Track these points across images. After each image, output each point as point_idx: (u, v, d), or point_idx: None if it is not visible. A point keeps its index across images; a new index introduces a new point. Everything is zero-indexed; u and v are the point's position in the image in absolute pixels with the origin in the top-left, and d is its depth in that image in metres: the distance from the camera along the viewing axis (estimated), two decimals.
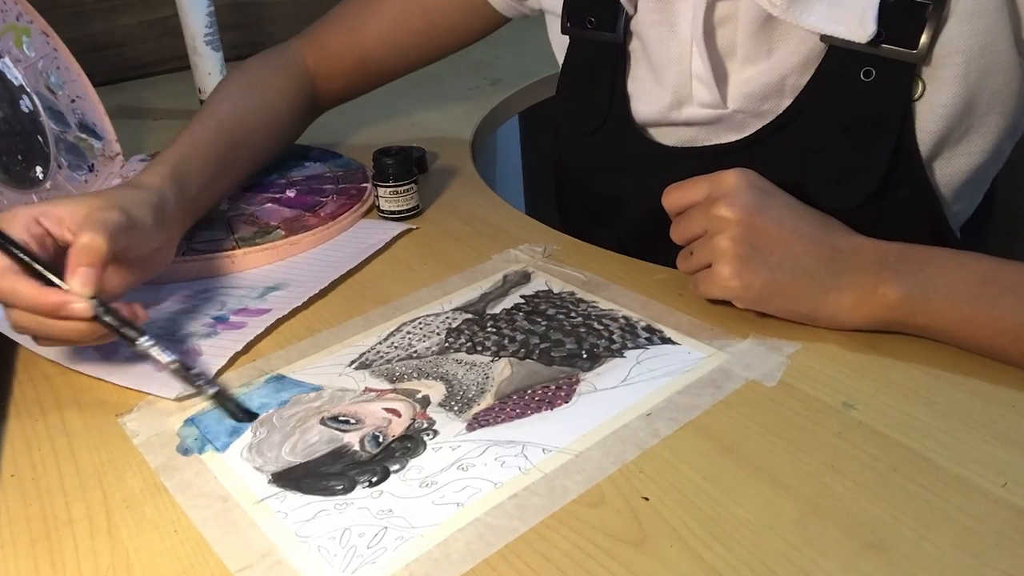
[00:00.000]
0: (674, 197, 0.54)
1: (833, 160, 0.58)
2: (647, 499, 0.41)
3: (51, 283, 0.47)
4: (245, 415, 0.48)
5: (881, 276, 0.49)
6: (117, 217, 0.50)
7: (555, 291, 0.60)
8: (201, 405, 0.50)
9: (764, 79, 0.58)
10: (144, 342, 0.49)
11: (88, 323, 0.47)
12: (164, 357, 0.49)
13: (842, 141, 0.57)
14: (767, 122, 0.60)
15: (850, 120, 0.56)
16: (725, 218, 0.51)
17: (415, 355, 0.53)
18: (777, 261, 0.50)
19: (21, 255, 0.46)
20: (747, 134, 0.61)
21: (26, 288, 0.46)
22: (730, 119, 0.62)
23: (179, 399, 0.50)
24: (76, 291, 0.46)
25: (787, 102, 0.59)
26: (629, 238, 0.69)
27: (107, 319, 0.47)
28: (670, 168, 0.63)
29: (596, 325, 0.55)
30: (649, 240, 0.65)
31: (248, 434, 0.47)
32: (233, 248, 0.66)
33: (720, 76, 0.60)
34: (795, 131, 0.59)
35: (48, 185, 0.70)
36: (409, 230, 0.71)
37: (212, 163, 0.64)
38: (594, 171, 0.71)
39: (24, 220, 0.48)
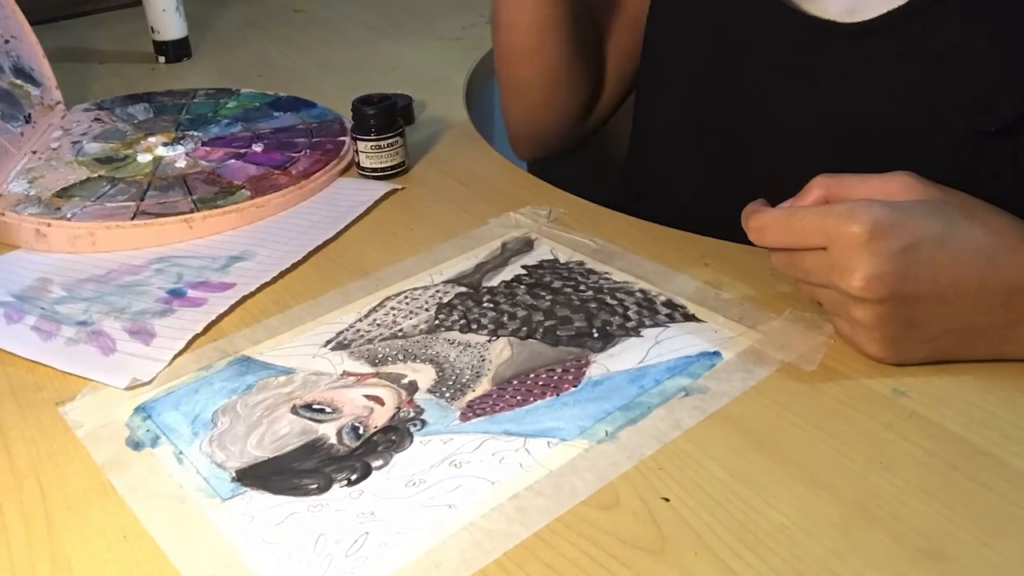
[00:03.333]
0: (775, 238, 0.48)
1: (975, 64, 0.52)
2: (667, 500, 0.41)
3: None
4: None
5: None
6: None
7: (562, 260, 0.60)
8: (154, 391, 0.49)
9: None
10: None
11: None
12: None
13: (989, 39, 0.51)
14: (894, 6, 0.55)
15: (1004, 11, 0.51)
16: (863, 296, 0.44)
17: (400, 334, 0.53)
18: (939, 330, 0.46)
19: None
20: (867, 17, 0.56)
21: None
22: None
23: (130, 388, 0.49)
24: None
25: None
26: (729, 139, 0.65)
27: None
28: (765, 41, 0.59)
29: (609, 300, 0.55)
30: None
31: (209, 424, 0.46)
32: (191, 211, 0.65)
33: None
34: (928, 21, 0.53)
35: None
36: (394, 191, 0.70)
37: None
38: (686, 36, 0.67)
39: None
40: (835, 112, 0.59)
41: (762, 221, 0.48)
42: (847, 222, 0.44)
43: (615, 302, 0.55)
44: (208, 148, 0.76)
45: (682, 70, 0.69)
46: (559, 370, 0.49)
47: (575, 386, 0.48)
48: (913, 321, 0.45)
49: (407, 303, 0.56)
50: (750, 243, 0.50)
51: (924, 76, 0.54)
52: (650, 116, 0.74)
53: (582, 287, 0.56)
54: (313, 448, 0.45)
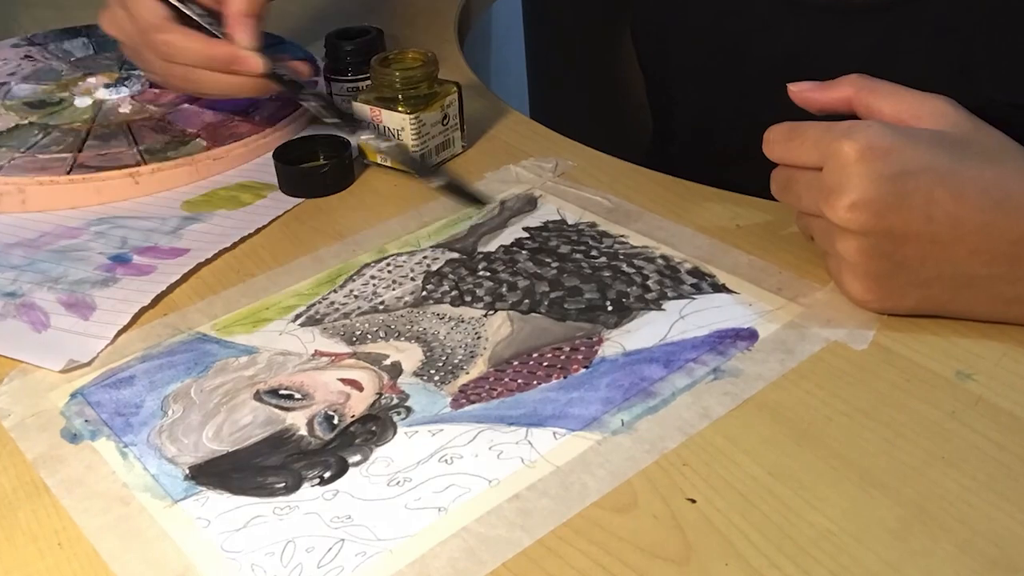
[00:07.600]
0: (777, 150, 0.51)
1: (1008, 33, 0.54)
2: (693, 501, 0.41)
3: (213, 35, 0.59)
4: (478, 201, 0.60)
5: None
6: None
7: (570, 222, 0.60)
8: (93, 374, 0.49)
9: None
10: (310, 98, 0.63)
11: (257, 78, 0.60)
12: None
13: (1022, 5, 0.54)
14: None
15: None
16: (847, 226, 0.47)
17: (382, 307, 0.53)
18: (932, 274, 0.47)
19: (179, 3, 0.58)
20: None
21: (191, 41, 0.57)
22: None
23: (66, 370, 0.49)
24: (242, 44, 0.57)
25: None
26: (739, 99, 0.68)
27: (282, 73, 0.61)
28: (779, 22, 0.63)
29: (625, 267, 0.55)
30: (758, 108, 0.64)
31: (158, 413, 0.47)
32: (137, 164, 0.65)
33: None
34: None
35: None
36: None
37: None
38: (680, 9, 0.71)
39: None
40: None
41: (769, 134, 0.51)
42: (841, 139, 0.46)
43: (632, 270, 0.55)
44: (157, 91, 0.75)
45: (687, 66, 0.73)
46: (567, 349, 0.49)
47: (586, 367, 0.48)
48: (901, 260, 0.47)
49: (390, 271, 0.56)
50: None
51: (957, 47, 0.56)
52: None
53: (594, 252, 0.56)
54: (280, 440, 0.45)
